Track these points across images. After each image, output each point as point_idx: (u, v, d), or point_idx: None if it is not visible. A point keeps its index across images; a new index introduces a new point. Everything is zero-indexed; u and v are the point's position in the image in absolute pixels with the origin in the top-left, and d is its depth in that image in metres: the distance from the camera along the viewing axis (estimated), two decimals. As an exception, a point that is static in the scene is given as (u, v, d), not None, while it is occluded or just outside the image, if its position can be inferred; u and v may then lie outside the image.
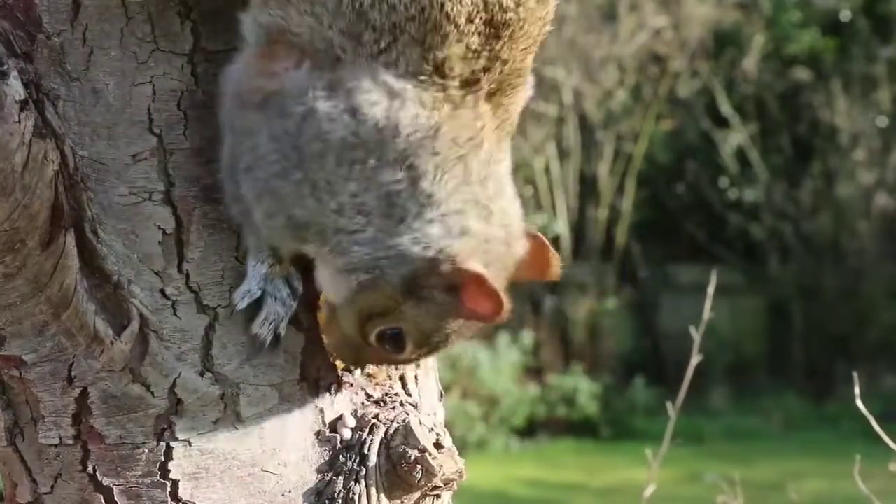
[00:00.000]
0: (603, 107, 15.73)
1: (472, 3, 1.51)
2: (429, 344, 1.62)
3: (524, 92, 1.63)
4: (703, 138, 16.42)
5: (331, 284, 1.62)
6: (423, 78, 1.53)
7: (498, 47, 1.55)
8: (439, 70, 1.53)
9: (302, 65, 1.53)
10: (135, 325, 1.60)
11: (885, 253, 15.93)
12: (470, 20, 1.51)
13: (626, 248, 16.01)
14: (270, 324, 1.62)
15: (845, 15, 16.27)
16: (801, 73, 16.28)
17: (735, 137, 16.23)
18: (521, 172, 15.19)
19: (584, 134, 15.71)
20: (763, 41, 16.25)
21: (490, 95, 1.58)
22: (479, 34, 1.53)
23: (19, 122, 1.50)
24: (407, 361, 1.68)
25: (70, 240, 1.57)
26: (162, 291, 1.62)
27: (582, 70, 15.31)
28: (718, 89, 16.07)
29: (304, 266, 1.65)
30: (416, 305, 1.58)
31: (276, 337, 1.64)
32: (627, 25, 15.54)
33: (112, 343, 1.59)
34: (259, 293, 1.61)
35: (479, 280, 1.54)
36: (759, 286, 16.20)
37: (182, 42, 1.61)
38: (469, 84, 1.55)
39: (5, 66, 1.52)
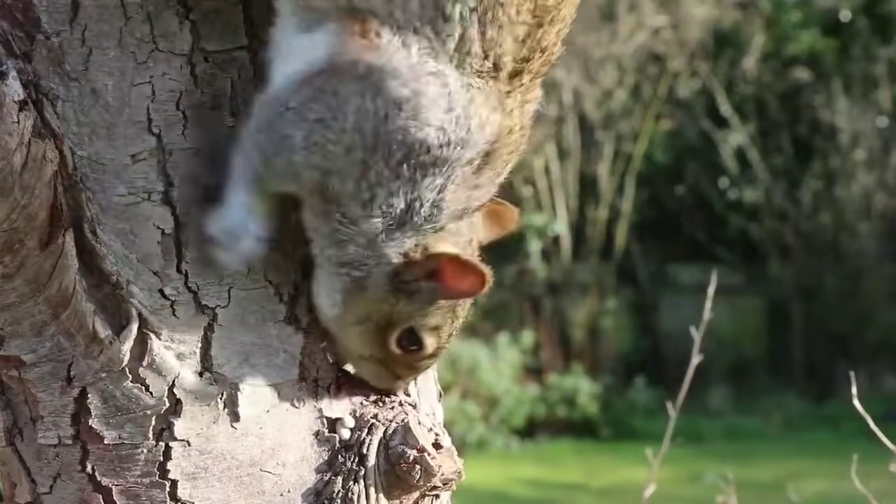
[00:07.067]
0: (602, 107, 15.74)
1: None
2: (441, 330, 1.67)
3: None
4: (703, 138, 16.42)
5: (323, 290, 1.63)
6: (483, 76, 1.53)
7: (539, 35, 1.55)
8: (496, 65, 1.53)
9: (410, 43, 1.50)
10: (134, 326, 1.60)
11: (885, 253, 15.94)
12: (518, 11, 1.51)
13: (626, 248, 16.02)
14: (234, 237, 1.58)
15: (845, 15, 16.27)
16: (801, 73, 16.28)
17: (735, 137, 16.23)
18: (521, 172, 15.19)
19: (583, 134, 15.72)
20: (763, 41, 16.25)
21: (523, 101, 1.58)
22: (525, 24, 1.53)
23: (18, 122, 1.50)
24: (434, 356, 1.70)
25: (69, 240, 1.57)
26: (161, 291, 1.62)
27: (581, 70, 15.31)
28: (718, 89, 16.07)
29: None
30: (410, 301, 1.62)
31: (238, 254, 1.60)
32: (626, 25, 15.54)
33: (111, 343, 1.59)
34: (237, 222, 1.57)
35: (453, 259, 1.59)
36: (759, 286, 16.20)
37: (181, 42, 1.61)
38: (514, 76, 1.55)
39: (4, 67, 1.52)
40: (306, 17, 1.54)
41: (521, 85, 1.57)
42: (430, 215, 1.57)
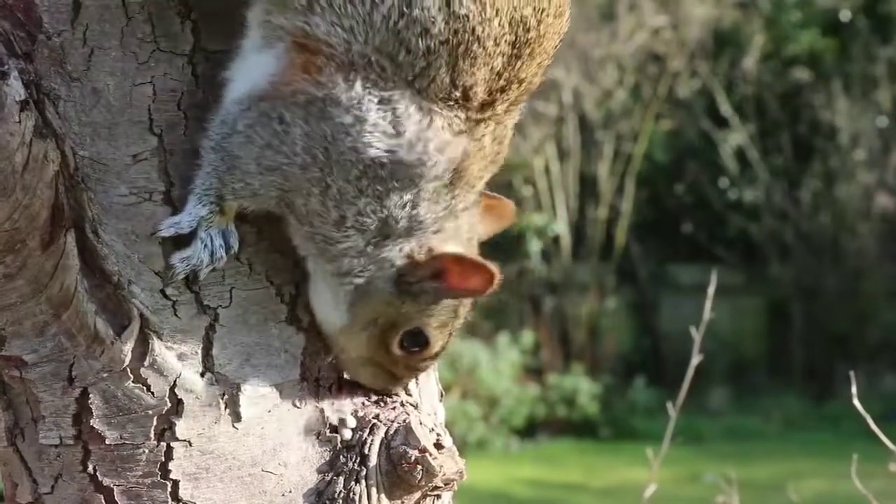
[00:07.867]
0: (602, 107, 15.73)
1: (499, 24, 1.53)
2: (445, 329, 1.68)
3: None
4: (703, 138, 16.41)
5: (327, 301, 1.64)
6: (451, 104, 1.55)
7: (518, 66, 1.57)
8: (465, 95, 1.55)
9: (353, 79, 1.53)
10: (135, 326, 1.60)
11: (885, 253, 15.93)
12: (496, 43, 1.54)
13: (626, 248, 16.01)
14: (189, 264, 1.60)
15: (845, 15, 16.27)
16: (801, 73, 16.28)
17: (735, 137, 16.22)
18: (521, 172, 15.19)
19: (583, 134, 15.71)
20: (763, 41, 16.25)
21: (497, 123, 1.60)
22: (503, 55, 1.55)
23: (20, 122, 1.50)
24: (437, 355, 1.71)
25: (70, 240, 1.57)
26: (162, 292, 1.62)
27: (581, 70, 15.31)
28: (718, 89, 16.07)
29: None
30: (414, 302, 1.64)
31: (195, 275, 1.61)
32: (626, 25, 15.54)
33: (112, 343, 1.59)
34: (187, 230, 1.59)
35: (458, 259, 1.60)
36: (759, 286, 16.20)
37: (182, 42, 1.61)
38: (485, 107, 1.57)
39: (6, 67, 1.52)
40: (266, 34, 1.57)
41: (495, 113, 1.59)
42: (410, 227, 1.58)
